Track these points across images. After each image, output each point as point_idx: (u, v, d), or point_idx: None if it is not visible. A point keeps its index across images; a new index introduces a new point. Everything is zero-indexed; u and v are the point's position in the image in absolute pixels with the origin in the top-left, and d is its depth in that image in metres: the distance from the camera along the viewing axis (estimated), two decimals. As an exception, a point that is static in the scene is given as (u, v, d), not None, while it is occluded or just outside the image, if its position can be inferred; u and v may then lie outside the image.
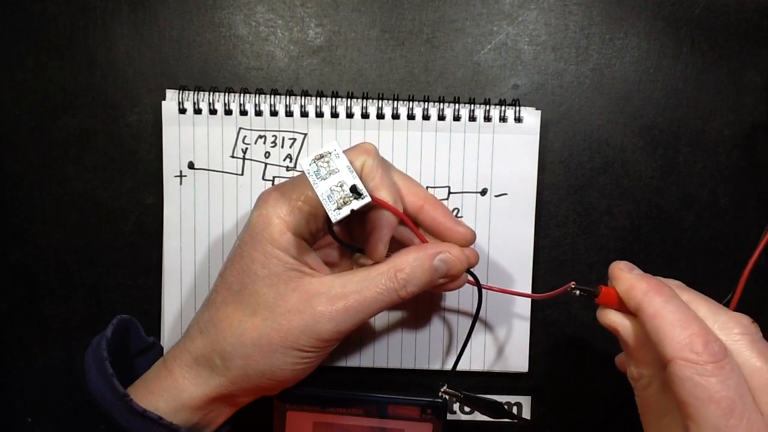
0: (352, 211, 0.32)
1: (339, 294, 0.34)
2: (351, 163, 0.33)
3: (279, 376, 0.35)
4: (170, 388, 0.35)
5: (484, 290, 0.39)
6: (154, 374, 0.35)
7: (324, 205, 0.32)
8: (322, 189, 0.32)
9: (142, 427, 0.33)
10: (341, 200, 0.32)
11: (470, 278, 0.38)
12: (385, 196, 0.34)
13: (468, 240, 0.37)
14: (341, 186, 0.32)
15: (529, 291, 0.42)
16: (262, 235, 0.34)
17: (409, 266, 0.34)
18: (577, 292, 0.34)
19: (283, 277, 0.34)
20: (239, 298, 0.34)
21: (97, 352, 0.35)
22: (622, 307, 0.33)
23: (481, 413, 0.41)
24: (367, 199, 0.32)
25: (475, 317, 0.39)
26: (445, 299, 0.42)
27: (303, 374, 0.35)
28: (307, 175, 0.32)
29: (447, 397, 0.39)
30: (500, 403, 0.41)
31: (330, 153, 0.32)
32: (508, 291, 0.39)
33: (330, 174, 0.32)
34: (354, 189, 0.32)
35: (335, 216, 0.32)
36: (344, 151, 0.33)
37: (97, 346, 0.35)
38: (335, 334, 0.34)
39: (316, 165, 0.32)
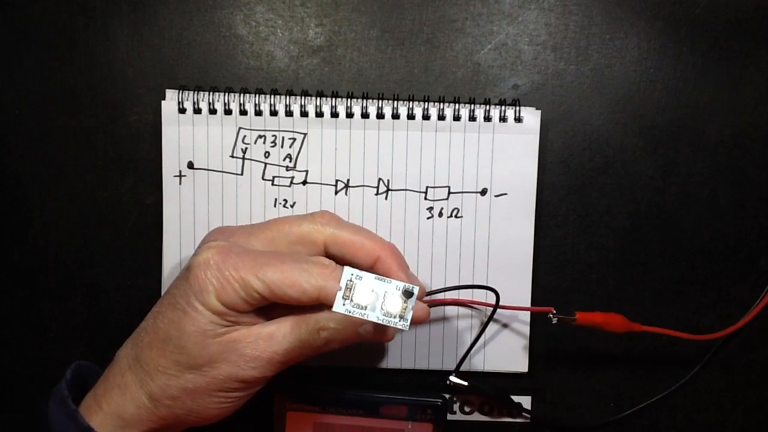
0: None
1: (264, 344, 0.34)
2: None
3: (206, 415, 0.35)
4: (106, 423, 0.35)
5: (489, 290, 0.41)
6: (85, 409, 0.35)
7: (388, 325, 0.32)
8: (375, 317, 0.32)
9: None
10: (399, 311, 0.32)
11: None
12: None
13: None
14: (384, 298, 0.32)
15: (528, 292, 0.42)
16: (197, 296, 0.33)
17: (333, 326, 0.34)
18: (555, 320, 0.40)
19: (210, 333, 0.34)
20: (163, 346, 0.34)
21: (58, 393, 0.35)
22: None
23: (484, 411, 0.42)
24: (417, 289, 0.32)
25: (487, 322, 0.41)
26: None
27: (231, 411, 0.36)
28: (351, 316, 0.32)
29: (454, 382, 0.40)
30: (506, 390, 0.42)
31: (351, 279, 0.32)
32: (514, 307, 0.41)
33: (369, 298, 0.32)
34: (407, 292, 0.32)
35: (405, 326, 0.32)
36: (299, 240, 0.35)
37: (58, 388, 0.35)
38: (260, 379, 0.35)
39: (351, 300, 0.32)
